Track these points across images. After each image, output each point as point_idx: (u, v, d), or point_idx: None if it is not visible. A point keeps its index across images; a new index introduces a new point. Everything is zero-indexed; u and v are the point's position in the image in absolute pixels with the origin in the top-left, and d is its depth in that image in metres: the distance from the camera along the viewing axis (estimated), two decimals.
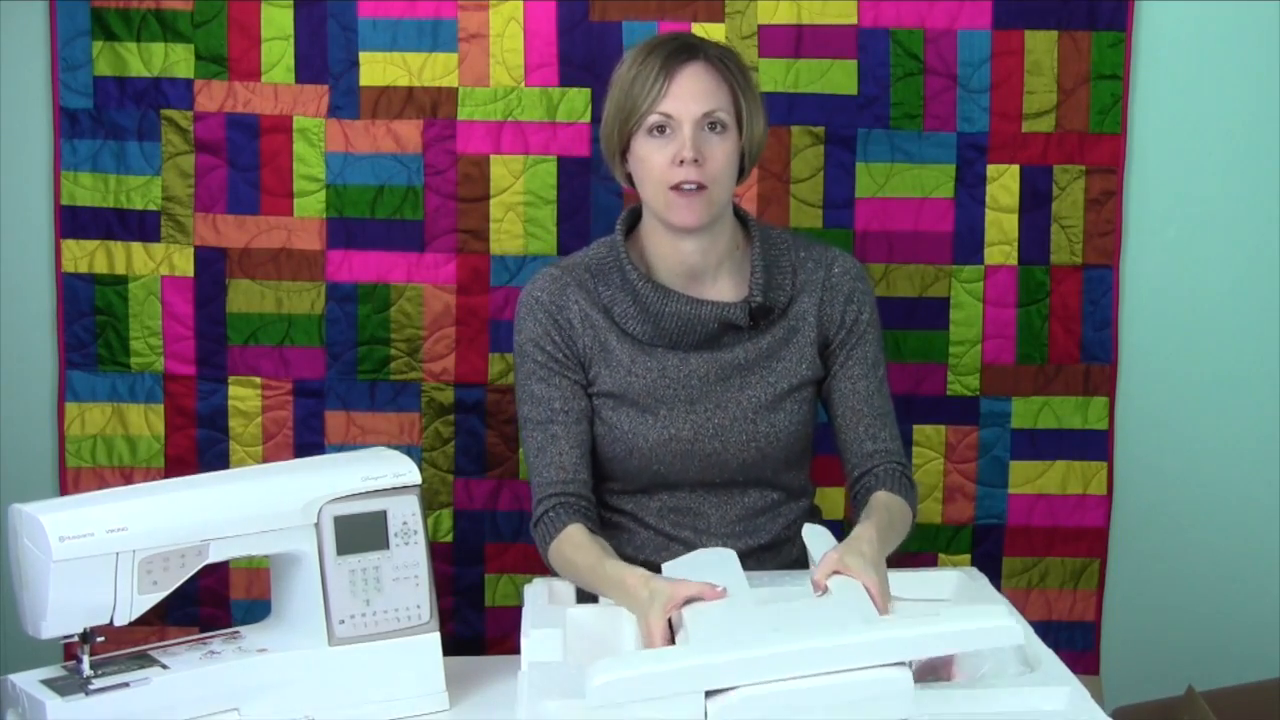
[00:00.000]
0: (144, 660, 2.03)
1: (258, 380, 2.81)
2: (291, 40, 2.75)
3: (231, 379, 2.81)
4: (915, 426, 2.83)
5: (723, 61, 2.26)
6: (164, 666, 2.01)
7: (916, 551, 2.84)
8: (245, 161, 2.77)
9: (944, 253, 2.81)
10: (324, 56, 2.76)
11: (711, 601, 1.92)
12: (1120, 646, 2.90)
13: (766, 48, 2.77)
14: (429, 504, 2.79)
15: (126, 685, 1.97)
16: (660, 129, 2.22)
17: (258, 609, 2.67)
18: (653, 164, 2.23)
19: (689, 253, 2.29)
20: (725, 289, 2.33)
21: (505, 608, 2.83)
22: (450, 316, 2.80)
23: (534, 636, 1.97)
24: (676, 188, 2.22)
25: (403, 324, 2.80)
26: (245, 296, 2.80)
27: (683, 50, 2.24)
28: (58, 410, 2.81)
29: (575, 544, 2.21)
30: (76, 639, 1.98)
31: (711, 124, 2.23)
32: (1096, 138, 2.79)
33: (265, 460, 2.80)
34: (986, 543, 2.86)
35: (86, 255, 2.78)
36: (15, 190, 2.79)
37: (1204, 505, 2.90)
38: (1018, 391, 2.84)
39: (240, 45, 2.75)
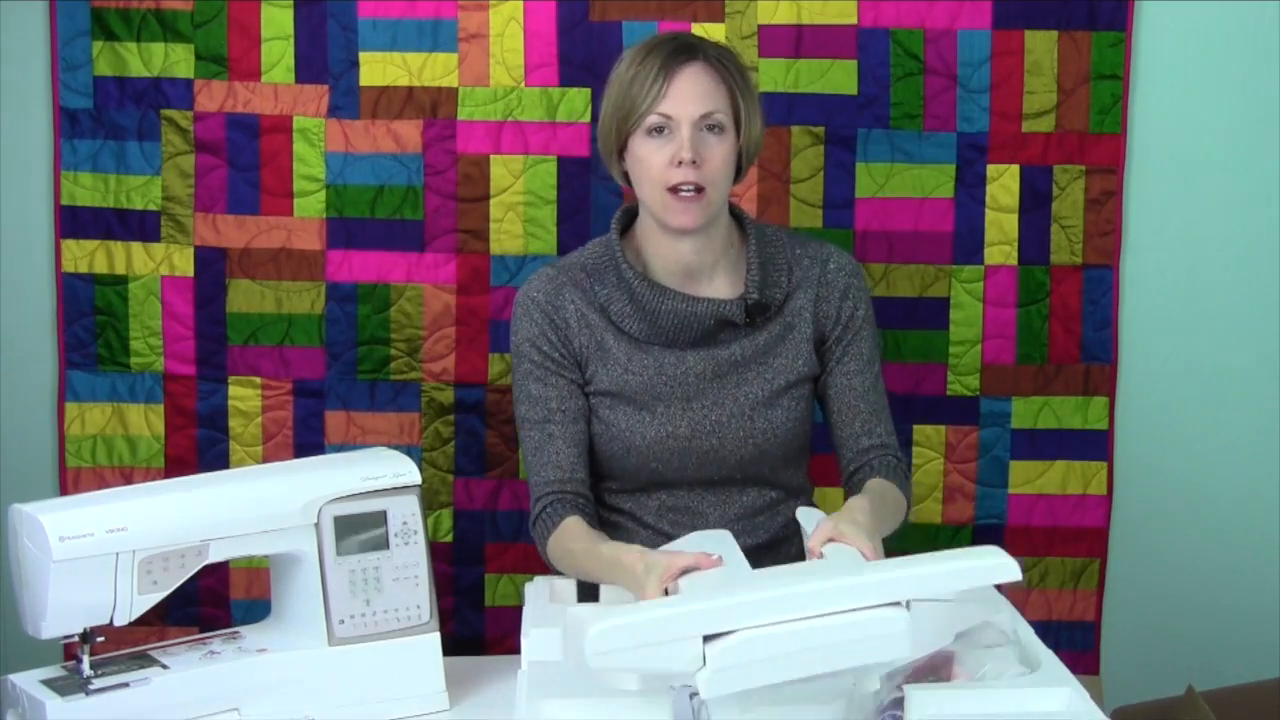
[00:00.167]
0: (144, 660, 2.03)
1: (258, 380, 2.81)
2: (291, 40, 2.75)
3: (231, 379, 2.81)
4: (915, 426, 2.83)
5: (721, 62, 2.26)
6: (164, 666, 2.01)
7: (917, 552, 2.83)
8: (245, 161, 2.77)
9: (944, 253, 2.81)
10: (324, 56, 2.76)
11: (712, 576, 1.91)
12: (1120, 646, 2.90)
13: (766, 48, 2.77)
14: (429, 504, 2.79)
15: (126, 685, 1.97)
16: (659, 129, 2.23)
17: (258, 609, 2.67)
18: (651, 164, 2.23)
19: (685, 251, 2.29)
20: (721, 286, 2.33)
21: (505, 608, 2.83)
22: (450, 316, 2.80)
23: (534, 636, 1.97)
24: (674, 190, 2.22)
25: (403, 324, 2.80)
26: (245, 296, 2.80)
27: (682, 51, 2.24)
28: (58, 410, 2.81)
29: (573, 534, 2.22)
30: (76, 639, 1.98)
31: (710, 125, 2.23)
32: (1096, 138, 2.79)
33: (265, 460, 2.80)
34: (986, 543, 2.84)
35: (86, 255, 2.78)
36: (15, 190, 2.79)
37: (1204, 505, 2.90)
38: (1018, 391, 2.84)
39: (240, 45, 2.75)
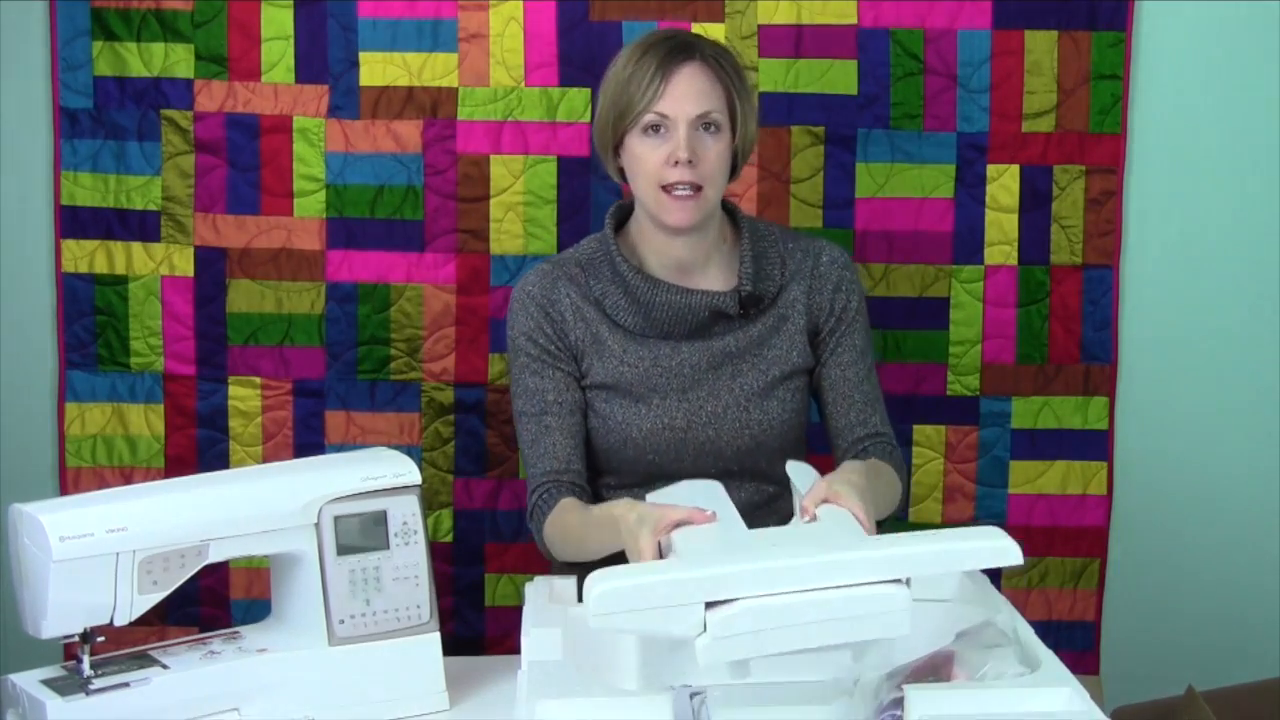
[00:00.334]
0: (144, 660, 2.03)
1: (258, 380, 2.81)
2: (291, 40, 2.75)
3: (231, 379, 2.81)
4: (915, 426, 2.83)
5: (718, 61, 2.27)
6: (164, 666, 2.01)
7: None
8: (245, 161, 2.77)
9: (944, 253, 2.81)
10: (324, 56, 2.76)
11: (705, 531, 1.91)
12: (1120, 646, 2.90)
13: (766, 48, 2.77)
14: (429, 504, 2.79)
15: (126, 685, 1.96)
16: (655, 128, 2.24)
17: (258, 609, 2.68)
18: (647, 163, 2.25)
19: (679, 247, 2.31)
20: (715, 280, 2.35)
21: (505, 608, 2.83)
22: (450, 316, 2.80)
23: (534, 636, 1.97)
24: (669, 189, 2.24)
25: (403, 324, 2.80)
26: (245, 296, 2.80)
27: (679, 50, 2.25)
28: (58, 410, 2.81)
29: (567, 509, 2.25)
30: (76, 639, 1.97)
31: (706, 124, 2.25)
32: (1096, 138, 2.79)
33: (265, 460, 2.80)
34: None
35: (86, 255, 2.78)
36: (15, 190, 2.79)
37: (1204, 505, 2.90)
38: (1018, 391, 2.84)
39: (240, 45, 2.75)
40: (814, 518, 1.95)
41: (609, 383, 2.33)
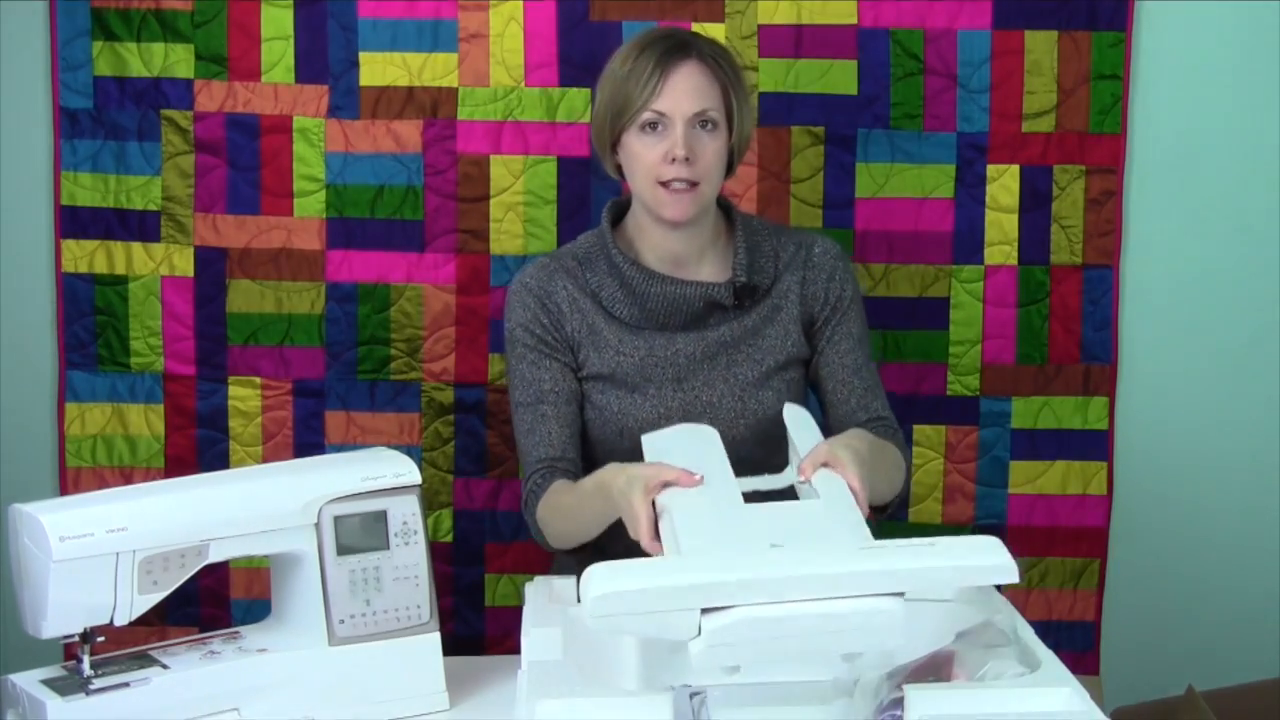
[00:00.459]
0: (144, 660, 2.03)
1: (258, 380, 2.81)
2: (291, 40, 2.75)
3: (231, 379, 2.81)
4: (915, 426, 2.83)
5: (715, 60, 2.30)
6: (164, 666, 2.01)
7: None
8: (245, 161, 2.77)
9: (944, 253, 2.81)
10: (324, 56, 2.76)
11: (698, 497, 1.91)
12: (1120, 646, 2.90)
13: (766, 48, 2.77)
14: (429, 504, 2.79)
15: (127, 685, 1.97)
16: (653, 126, 2.27)
17: (258, 609, 2.67)
18: (645, 160, 2.28)
19: (675, 240, 2.34)
20: (710, 273, 2.38)
21: (505, 608, 2.83)
22: (450, 316, 2.80)
23: (534, 636, 1.97)
24: (667, 184, 2.27)
25: (403, 324, 2.80)
26: (245, 296, 2.80)
27: (677, 48, 2.28)
28: (58, 410, 2.81)
29: (559, 490, 2.26)
30: (77, 639, 1.98)
31: (703, 122, 2.28)
32: (1096, 138, 2.79)
33: (265, 460, 2.80)
34: None
35: (86, 255, 2.78)
36: (15, 190, 2.79)
37: (1204, 505, 2.90)
38: (1018, 391, 2.84)
39: (240, 45, 2.75)
40: (808, 482, 1.96)
41: (605, 373, 2.35)
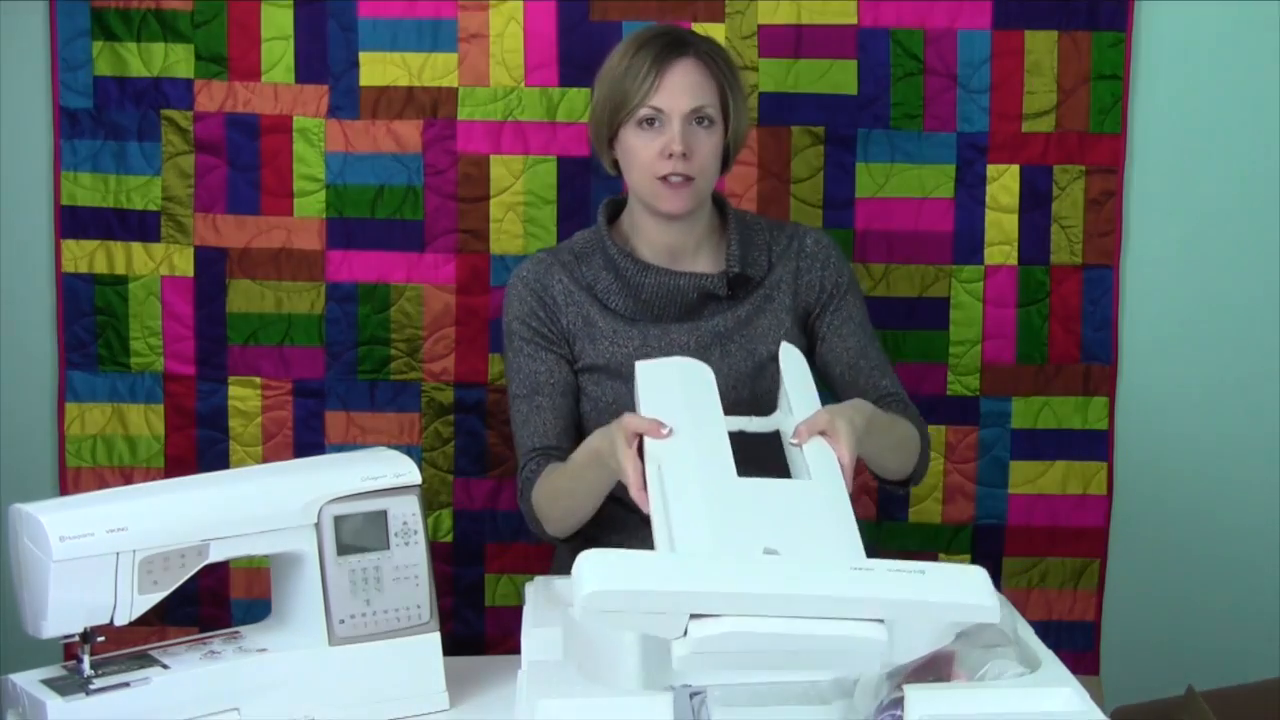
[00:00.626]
0: (144, 660, 2.03)
1: (258, 380, 2.81)
2: (291, 40, 2.75)
3: (231, 379, 2.81)
4: None
5: (711, 57, 2.34)
6: (164, 666, 2.01)
7: (917, 551, 2.84)
8: (245, 161, 2.77)
9: (944, 253, 2.81)
10: (324, 56, 2.76)
11: (687, 448, 1.95)
12: (1120, 646, 2.90)
13: (766, 48, 2.77)
14: (429, 504, 2.79)
15: (127, 685, 1.97)
16: (650, 122, 2.30)
17: (258, 609, 2.67)
18: (642, 155, 2.31)
19: (671, 234, 2.37)
20: (704, 266, 2.41)
21: (505, 608, 2.83)
22: (450, 316, 2.80)
23: (534, 636, 1.97)
24: (664, 179, 2.29)
25: (403, 324, 2.80)
26: (245, 296, 2.80)
27: (674, 46, 2.31)
28: (58, 410, 2.81)
29: (551, 472, 2.29)
30: (77, 639, 1.98)
31: (699, 119, 2.30)
32: (1096, 138, 2.79)
33: (265, 460, 2.80)
34: (987, 543, 2.86)
35: (86, 255, 2.78)
36: (15, 190, 2.79)
37: (1204, 505, 2.90)
38: (1018, 391, 2.84)
39: (240, 45, 2.75)
40: (798, 446, 2.00)
41: (600, 364, 2.36)
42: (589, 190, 2.78)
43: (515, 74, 2.76)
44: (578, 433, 2.37)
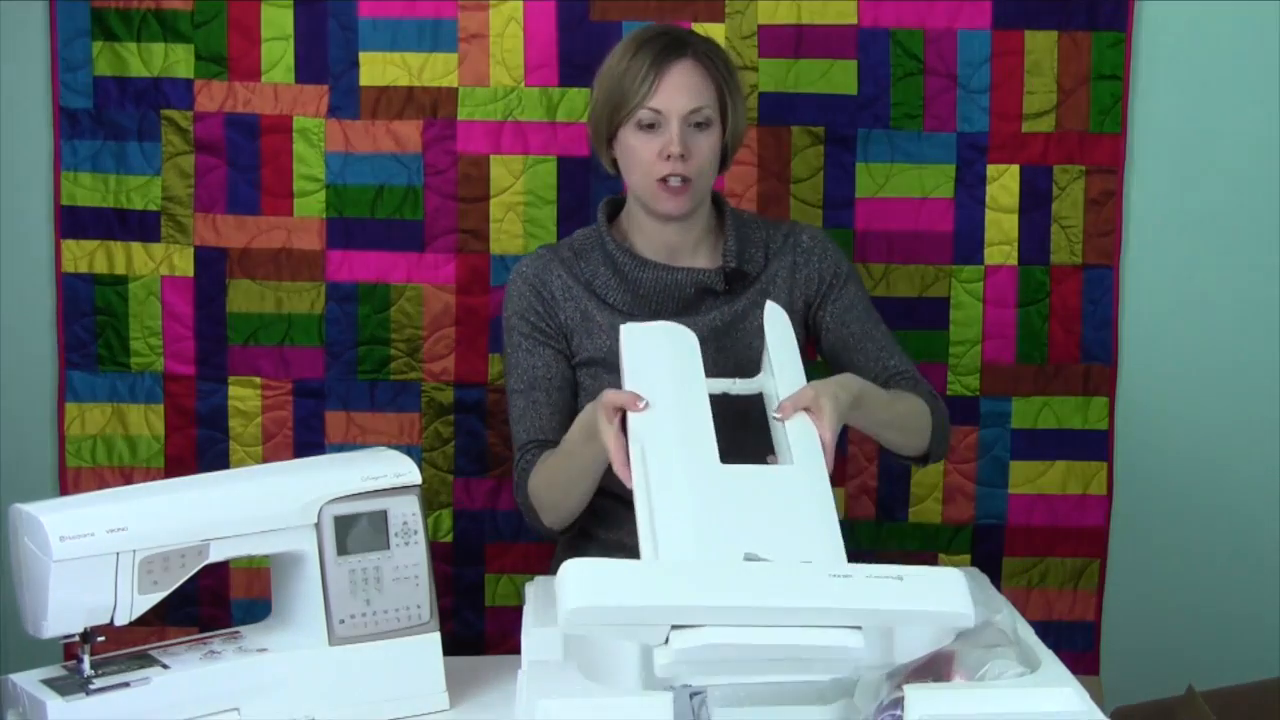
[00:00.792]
0: (144, 660, 2.03)
1: (258, 380, 2.81)
2: (291, 40, 2.75)
3: (231, 379, 2.81)
4: None
5: (710, 58, 2.35)
6: (164, 666, 2.01)
7: (917, 551, 2.84)
8: (245, 161, 2.77)
9: (944, 253, 2.81)
10: (324, 56, 2.76)
11: (669, 425, 1.98)
12: (1120, 646, 2.90)
13: (766, 48, 2.77)
14: (429, 504, 2.79)
15: (127, 685, 1.97)
16: (649, 123, 2.31)
17: (258, 609, 2.67)
18: (640, 156, 2.32)
19: (670, 233, 2.39)
20: (702, 262, 2.42)
21: (505, 608, 2.83)
22: (450, 316, 2.80)
23: (534, 636, 1.97)
24: (663, 180, 2.30)
25: (403, 324, 2.80)
26: (245, 296, 2.80)
27: (673, 47, 2.32)
28: (58, 410, 2.81)
29: (546, 458, 2.31)
30: (77, 639, 1.98)
31: (698, 121, 2.32)
32: (1096, 138, 2.79)
33: (265, 460, 2.80)
34: (987, 543, 2.86)
35: (86, 255, 2.78)
36: (15, 190, 2.79)
37: (1204, 505, 2.90)
38: (1018, 391, 2.84)
39: (240, 45, 2.75)
40: (780, 420, 2.03)
41: (597, 358, 2.38)
42: (589, 190, 2.78)
43: (515, 74, 2.76)
44: None
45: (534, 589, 2.20)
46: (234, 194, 2.78)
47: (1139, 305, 2.85)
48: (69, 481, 2.81)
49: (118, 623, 1.97)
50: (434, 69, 2.76)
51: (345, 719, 2.06)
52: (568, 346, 2.40)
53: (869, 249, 2.80)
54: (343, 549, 2.08)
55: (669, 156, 2.29)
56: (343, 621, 2.08)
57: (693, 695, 1.79)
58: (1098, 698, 1.93)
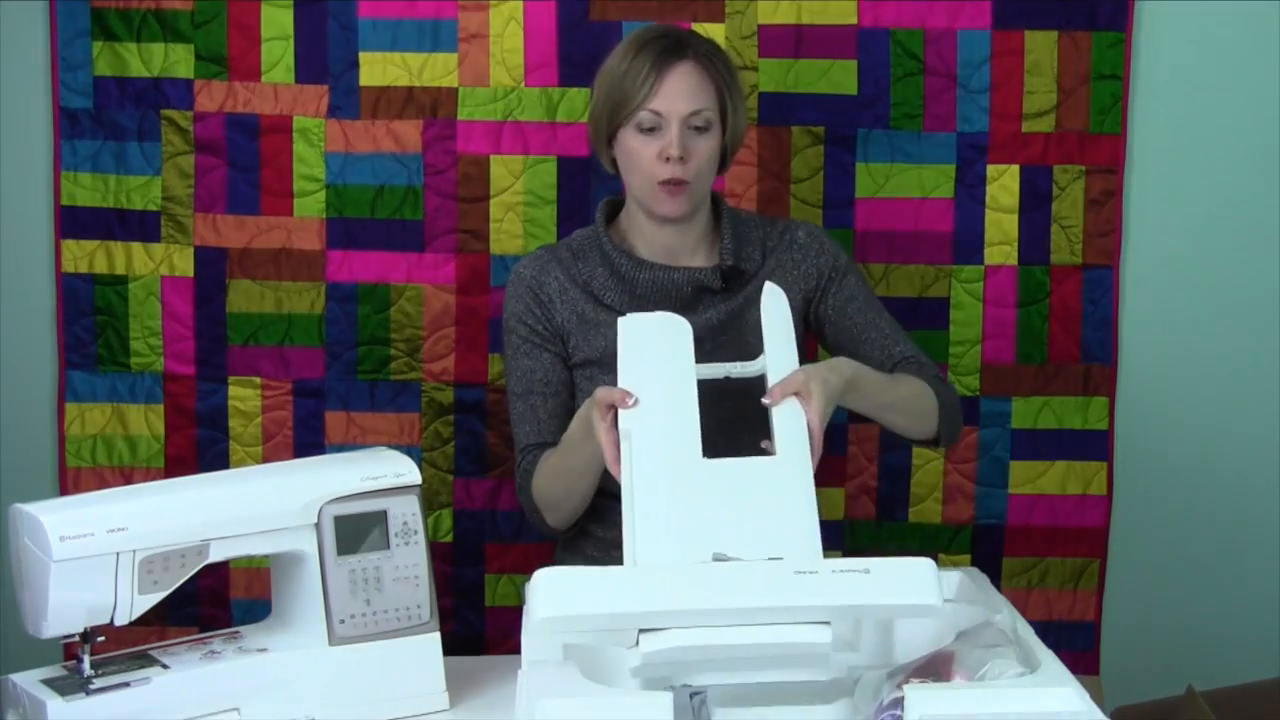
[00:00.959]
0: (144, 660, 2.03)
1: (258, 380, 2.81)
2: (291, 40, 2.75)
3: (231, 379, 2.81)
4: None
5: (710, 60, 2.35)
6: (164, 666, 2.01)
7: (917, 551, 2.84)
8: (245, 161, 2.77)
9: (944, 253, 2.81)
10: (324, 56, 2.76)
11: (658, 424, 2.00)
12: (1120, 646, 2.90)
13: (766, 48, 2.77)
14: (429, 504, 2.79)
15: (127, 685, 1.97)
16: (648, 125, 2.31)
17: (258, 609, 2.67)
18: (640, 158, 2.32)
19: (669, 234, 2.40)
20: (700, 263, 2.42)
21: (505, 608, 2.83)
22: (450, 316, 2.80)
23: (534, 636, 1.97)
24: (663, 184, 2.31)
25: (403, 324, 2.80)
26: (245, 296, 2.80)
27: (673, 49, 2.32)
28: (58, 410, 2.81)
29: (547, 457, 2.33)
30: (77, 639, 1.98)
31: (697, 124, 2.32)
32: (1096, 138, 2.79)
33: (265, 460, 2.80)
34: (987, 543, 2.86)
35: (86, 255, 2.78)
36: (15, 190, 2.79)
37: (1204, 506, 2.90)
38: (1018, 391, 2.84)
39: (240, 45, 2.75)
40: (771, 405, 2.04)
41: (594, 359, 2.38)
42: (589, 190, 2.78)
43: (515, 74, 2.76)
44: None
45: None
46: (234, 194, 2.78)
47: (1139, 305, 2.85)
48: (69, 481, 2.81)
49: (118, 623, 1.97)
50: (434, 69, 2.76)
51: (345, 719, 2.06)
52: (565, 348, 2.41)
53: (869, 249, 2.80)
54: (343, 549, 2.08)
55: (668, 159, 2.30)
56: (343, 621, 2.08)
57: (693, 695, 1.79)
58: (1098, 698, 1.94)
